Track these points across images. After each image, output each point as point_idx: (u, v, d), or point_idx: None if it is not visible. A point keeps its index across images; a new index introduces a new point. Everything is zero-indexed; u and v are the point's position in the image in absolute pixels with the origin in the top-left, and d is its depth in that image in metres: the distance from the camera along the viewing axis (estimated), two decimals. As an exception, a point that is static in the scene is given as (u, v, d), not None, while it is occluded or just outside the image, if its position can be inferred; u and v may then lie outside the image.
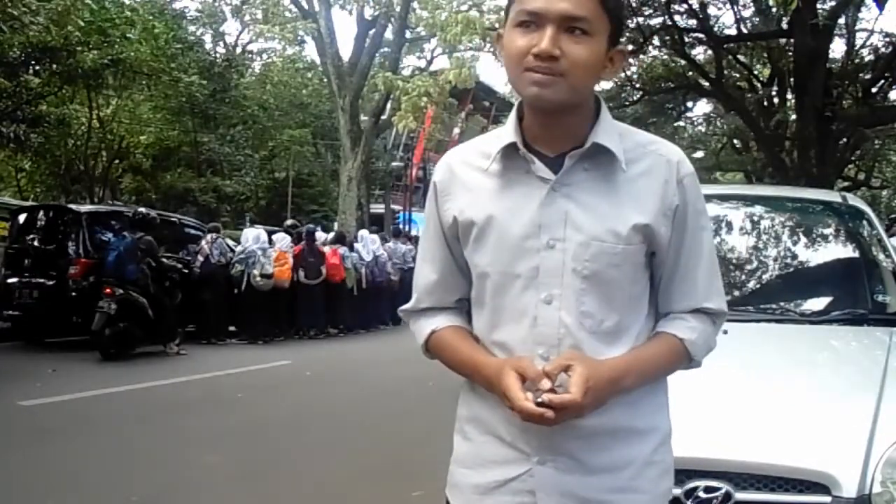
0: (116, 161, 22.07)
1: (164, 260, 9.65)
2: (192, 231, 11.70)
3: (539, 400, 1.17)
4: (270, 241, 11.18)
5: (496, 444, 1.32)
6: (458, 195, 1.34)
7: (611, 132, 1.29)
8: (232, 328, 11.01)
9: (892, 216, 15.69)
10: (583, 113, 1.29)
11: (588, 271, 1.26)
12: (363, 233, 14.03)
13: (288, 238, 11.61)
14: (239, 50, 28.56)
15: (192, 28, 25.08)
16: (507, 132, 1.31)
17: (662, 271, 1.33)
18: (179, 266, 10.38)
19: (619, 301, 1.29)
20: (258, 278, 10.67)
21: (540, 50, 1.21)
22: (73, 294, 9.20)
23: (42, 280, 9.52)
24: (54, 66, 14.83)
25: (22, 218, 10.44)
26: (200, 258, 10.52)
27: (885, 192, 25.80)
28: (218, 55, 24.99)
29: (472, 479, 1.35)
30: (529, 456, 1.28)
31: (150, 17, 18.50)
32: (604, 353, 1.26)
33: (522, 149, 1.29)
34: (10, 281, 9.65)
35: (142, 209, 10.23)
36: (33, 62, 14.69)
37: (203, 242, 10.69)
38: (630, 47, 15.01)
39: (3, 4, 11.33)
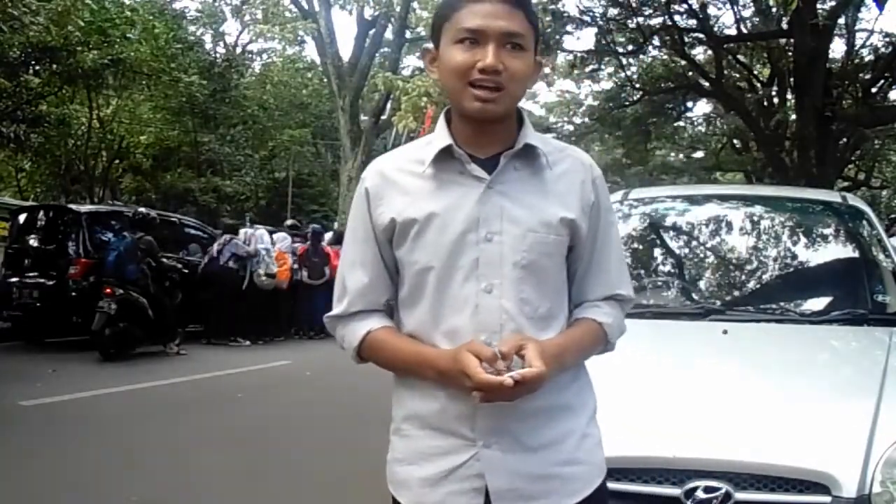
0: (116, 161, 22.05)
1: (164, 260, 9.64)
2: (193, 231, 11.69)
3: (509, 376, 1.22)
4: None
5: (436, 437, 1.38)
6: (394, 198, 1.39)
7: (535, 136, 1.41)
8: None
9: (892, 216, 15.69)
10: (512, 119, 1.41)
11: (526, 261, 1.35)
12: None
13: (288, 239, 11.59)
14: (239, 50, 28.53)
15: (192, 28, 25.04)
16: (439, 137, 1.40)
17: (579, 264, 1.45)
18: (179, 266, 10.38)
19: (550, 289, 1.40)
20: (263, 278, 10.68)
21: (486, 65, 1.31)
22: (73, 294, 9.19)
23: (42, 280, 9.51)
24: (54, 66, 14.80)
25: (22, 218, 10.44)
26: (206, 258, 10.54)
27: (885, 192, 25.78)
28: (218, 55, 24.95)
29: (417, 473, 1.40)
30: (475, 441, 1.34)
31: (150, 17, 18.48)
32: (540, 337, 1.34)
33: (459, 150, 1.37)
34: (10, 281, 9.64)
35: (142, 209, 10.23)
36: (33, 62, 14.66)
37: (215, 244, 10.67)
38: (630, 47, 15.07)
39: (4, 4, 11.32)
